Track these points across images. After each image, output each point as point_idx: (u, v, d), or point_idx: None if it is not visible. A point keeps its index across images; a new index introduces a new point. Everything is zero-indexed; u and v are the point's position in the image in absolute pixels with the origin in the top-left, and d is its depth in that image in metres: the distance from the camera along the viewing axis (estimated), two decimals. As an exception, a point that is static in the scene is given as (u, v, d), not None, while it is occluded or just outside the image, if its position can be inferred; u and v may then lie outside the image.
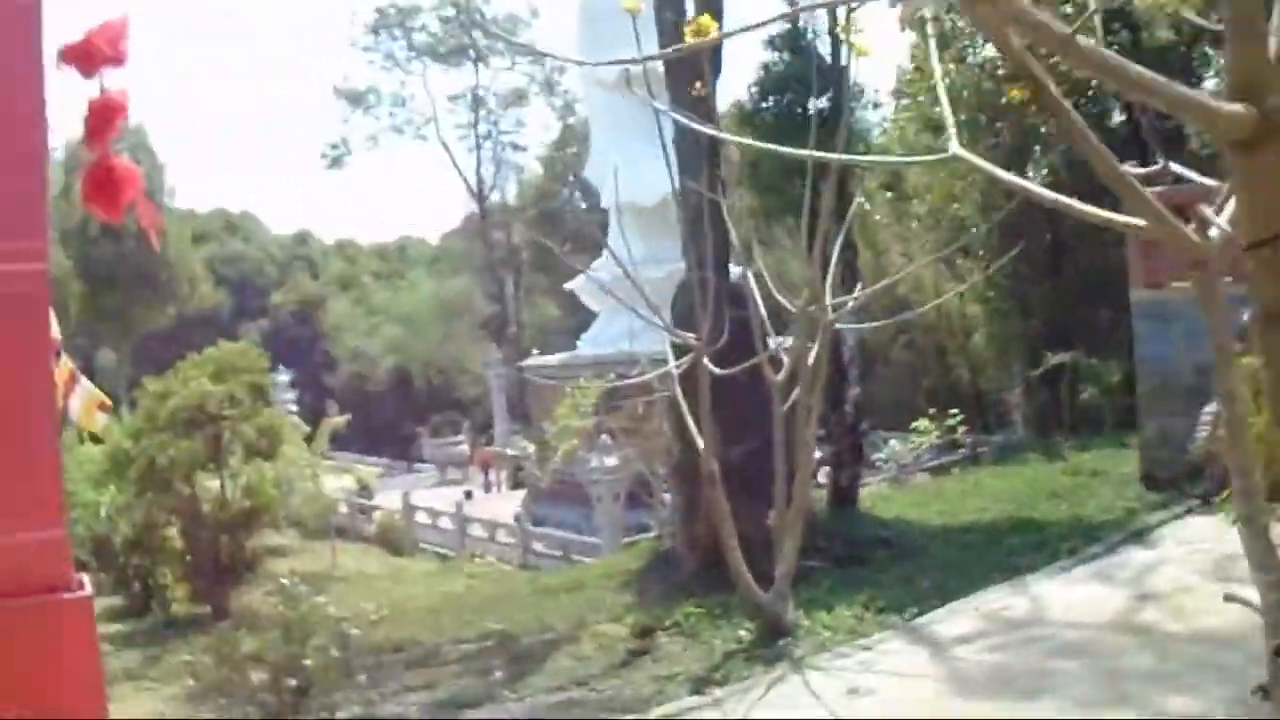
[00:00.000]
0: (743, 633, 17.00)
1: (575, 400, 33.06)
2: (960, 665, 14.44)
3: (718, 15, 22.23)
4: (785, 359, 16.97)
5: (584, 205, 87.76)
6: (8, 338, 10.86)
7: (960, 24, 41.18)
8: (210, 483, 34.09)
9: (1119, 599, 16.36)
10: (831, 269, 16.11)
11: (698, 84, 17.83)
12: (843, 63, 28.84)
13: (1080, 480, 27.30)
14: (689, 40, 7.56)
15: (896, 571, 20.30)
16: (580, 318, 64.48)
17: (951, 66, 40.41)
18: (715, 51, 23.06)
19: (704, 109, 21.92)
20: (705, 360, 16.83)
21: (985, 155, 36.63)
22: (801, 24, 35.68)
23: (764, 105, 36.83)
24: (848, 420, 26.59)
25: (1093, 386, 36.95)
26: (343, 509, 53.40)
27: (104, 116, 11.81)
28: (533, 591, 26.49)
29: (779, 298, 16.57)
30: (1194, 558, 17.79)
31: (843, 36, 22.21)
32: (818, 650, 15.79)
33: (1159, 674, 13.26)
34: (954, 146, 5.56)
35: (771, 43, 36.62)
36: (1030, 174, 36.90)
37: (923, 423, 35.34)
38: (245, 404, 33.80)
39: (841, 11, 25.91)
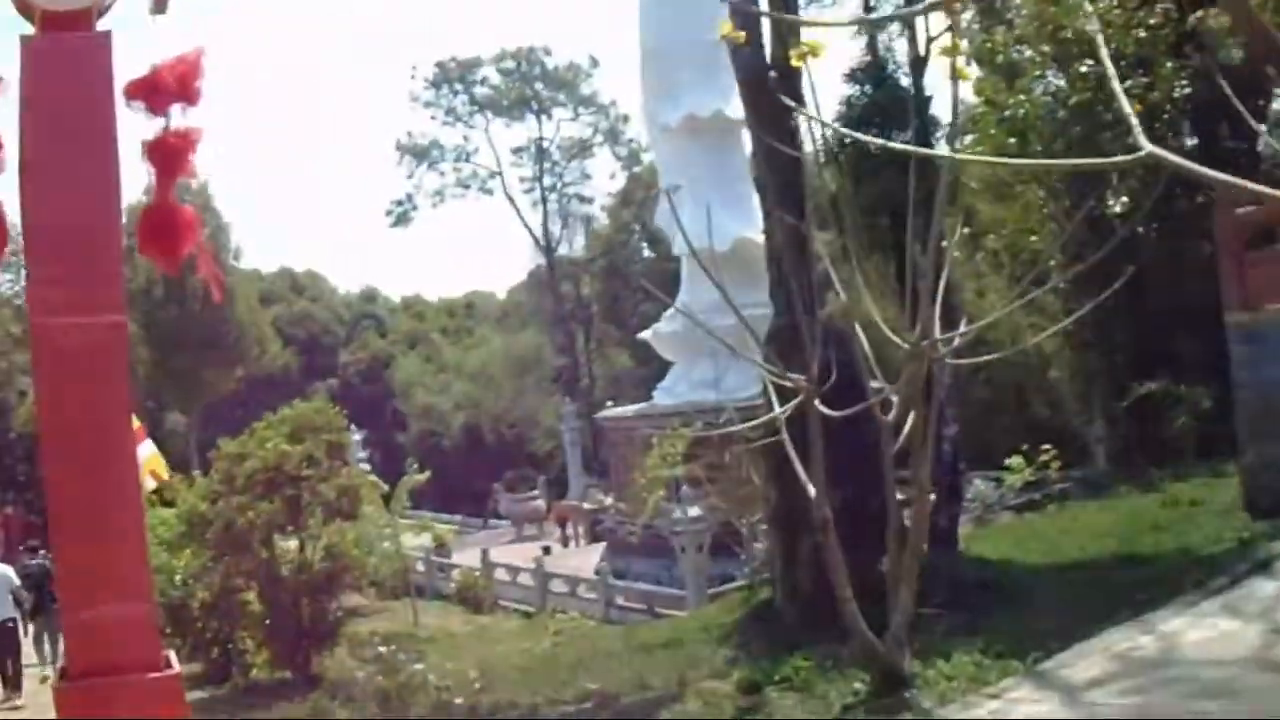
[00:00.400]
0: (858, 685, 16.18)
1: (664, 449, 32.42)
2: (1099, 711, 13.65)
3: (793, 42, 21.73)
4: (894, 399, 16.20)
5: (651, 255, 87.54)
6: (86, 392, 10.26)
7: (1029, 54, 40.81)
8: (288, 544, 33.59)
9: (1253, 634, 15.56)
10: (938, 304, 15.34)
11: (794, 116, 17.35)
12: (927, 93, 28.36)
13: (1180, 511, 26.45)
14: (794, 62, 6.92)
15: (1009, 614, 19.45)
16: (652, 368, 63.96)
17: (1022, 97, 39.94)
18: (792, 84, 22.47)
19: (787, 138, 21.47)
20: (816, 402, 16.04)
21: (1061, 183, 36.09)
22: (882, 54, 35.17)
23: (847, 141, 36.08)
24: (945, 459, 25.80)
25: (1184, 415, 36.01)
26: (419, 567, 52.93)
27: (172, 154, 11.26)
28: (626, 648, 25.67)
29: (889, 334, 15.79)
30: (1330, 583, 17.00)
31: (933, 54, 21.73)
32: (942, 701, 15.04)
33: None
34: (1146, 145, 4.96)
35: (852, 76, 36.04)
36: (1110, 200, 36.21)
37: (1016, 460, 34.39)
38: (324, 464, 33.26)
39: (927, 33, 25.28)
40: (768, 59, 22.69)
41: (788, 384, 16.84)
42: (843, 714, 15.41)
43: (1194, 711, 13.01)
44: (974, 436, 50.38)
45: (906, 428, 15.83)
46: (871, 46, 35.67)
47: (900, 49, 34.93)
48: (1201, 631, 15.96)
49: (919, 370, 15.34)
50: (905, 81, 33.65)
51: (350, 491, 33.86)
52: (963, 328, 16.90)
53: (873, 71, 35.95)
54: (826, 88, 47.33)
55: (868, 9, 35.87)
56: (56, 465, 10.29)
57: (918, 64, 29.23)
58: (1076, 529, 27.75)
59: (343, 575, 33.96)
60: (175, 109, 11.05)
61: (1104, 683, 14.55)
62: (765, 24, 23.36)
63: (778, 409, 17.12)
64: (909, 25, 30.18)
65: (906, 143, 29.81)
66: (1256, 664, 14.34)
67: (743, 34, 9.62)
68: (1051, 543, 26.44)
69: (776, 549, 23.21)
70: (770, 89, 20.97)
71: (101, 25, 10.62)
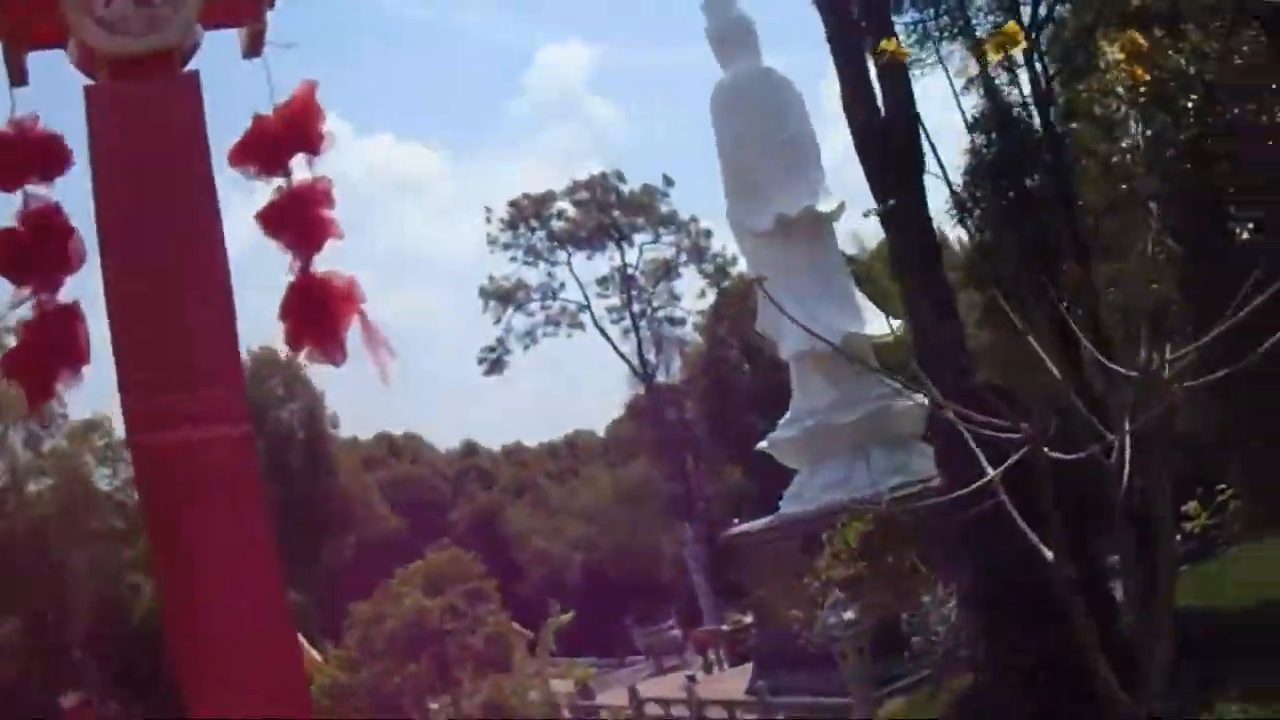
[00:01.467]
0: (1126, 758, 14.15)
1: (836, 546, 30.55)
2: None
3: (909, 106, 20.65)
4: (1114, 440, 14.29)
5: (749, 368, 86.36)
6: (211, 530, 8.18)
7: (1117, 106, 39.49)
8: (440, 704, 31.89)
9: None
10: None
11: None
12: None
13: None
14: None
15: (1238, 661, 17.43)
16: (768, 481, 62.49)
17: (1125, 144, 38.71)
18: (912, 148, 21.10)
19: (916, 212, 20.12)
20: (1045, 450, 13.98)
21: (1174, 219, 34.51)
22: (1003, 100, 33.72)
23: (978, 193, 34.40)
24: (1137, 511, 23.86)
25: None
26: (566, 714, 51.16)
27: (306, 215, 9.27)
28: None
29: (1107, 365, 13.92)
30: None
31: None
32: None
33: None
34: None
35: (975, 124, 34.33)
36: (1237, 230, 34.88)
37: (1193, 505, 32.22)
38: (468, 614, 31.62)
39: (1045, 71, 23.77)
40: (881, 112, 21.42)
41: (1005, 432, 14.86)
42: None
43: None
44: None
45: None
46: (989, 91, 34.09)
47: (1024, 84, 33.61)
48: None
49: (1154, 401, 13.40)
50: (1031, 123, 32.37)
51: (500, 640, 32.20)
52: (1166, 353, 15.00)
53: (995, 117, 34.29)
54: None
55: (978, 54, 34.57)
56: (181, 633, 8.25)
57: (1043, 102, 27.91)
58: (1268, 567, 25.70)
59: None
60: (296, 162, 9.03)
61: None
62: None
63: (990, 471, 15.02)
64: (1029, 65, 29.07)
65: (1041, 189, 28.56)
66: None
67: (906, 51, 7.99)
68: (1243, 585, 24.46)
69: (979, 631, 21.22)
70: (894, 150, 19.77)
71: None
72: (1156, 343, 13.60)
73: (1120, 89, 37.57)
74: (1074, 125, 38.52)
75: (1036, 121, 32.17)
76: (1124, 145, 38.67)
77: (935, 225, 23.90)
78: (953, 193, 25.30)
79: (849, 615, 36.84)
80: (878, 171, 21.32)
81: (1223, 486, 32.53)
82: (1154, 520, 14.16)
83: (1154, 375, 13.24)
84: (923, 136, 22.25)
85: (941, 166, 15.39)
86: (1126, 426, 14.35)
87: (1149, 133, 38.70)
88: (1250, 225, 35.16)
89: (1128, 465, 14.30)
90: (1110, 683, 13.95)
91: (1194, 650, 17.90)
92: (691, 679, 55.68)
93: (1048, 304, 16.26)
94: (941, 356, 19.38)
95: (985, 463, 15.02)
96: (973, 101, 33.36)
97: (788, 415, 51.66)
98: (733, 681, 53.13)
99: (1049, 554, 14.17)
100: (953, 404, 15.75)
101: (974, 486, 15.36)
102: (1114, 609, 19.68)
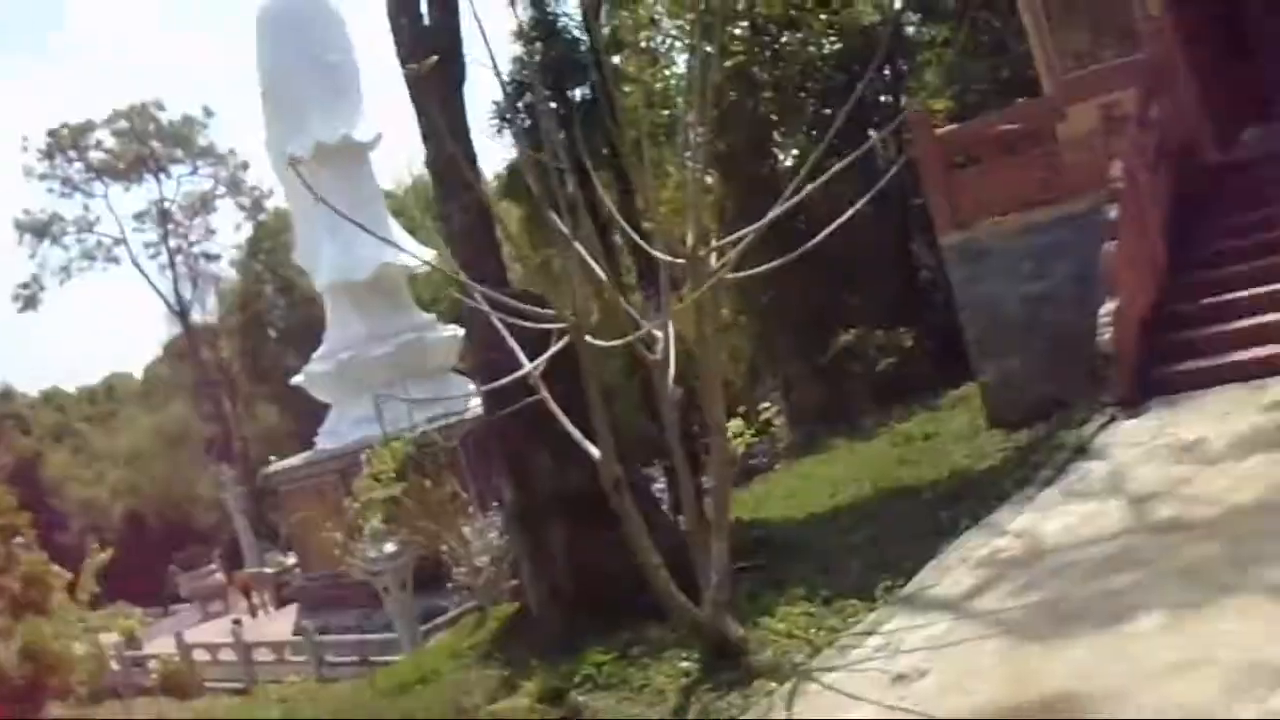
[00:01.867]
0: (684, 664, 13.94)
1: (376, 469, 30.04)
2: (1004, 616, 11.86)
3: (454, 14, 20.49)
4: (658, 334, 14.07)
5: (284, 302, 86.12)
6: None
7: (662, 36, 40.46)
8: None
9: (1117, 508, 13.98)
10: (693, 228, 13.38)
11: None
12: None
13: (918, 446, 25.03)
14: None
15: (801, 565, 17.43)
16: (305, 418, 62.53)
17: (667, 72, 39.76)
18: (455, 57, 20.86)
19: (456, 124, 19.93)
20: (587, 338, 13.53)
21: (728, 147, 35.25)
22: (550, 11, 33.88)
23: (519, 104, 34.25)
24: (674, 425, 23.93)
25: (887, 358, 34.91)
26: (113, 665, 49.89)
27: None
28: (376, 696, 22.95)
29: (657, 254, 13.75)
30: (1161, 452, 15.45)
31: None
32: (810, 653, 13.09)
33: (1241, 557, 11.16)
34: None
35: (520, 34, 34.17)
36: (780, 156, 36.06)
37: (735, 423, 32.60)
38: (1, 552, 30.19)
39: None
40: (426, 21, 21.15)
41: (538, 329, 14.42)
42: (686, 697, 13.21)
43: (1110, 588, 11.43)
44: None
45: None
46: (537, 2, 34.34)
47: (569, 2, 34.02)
48: (1058, 520, 14.34)
49: (703, 287, 13.16)
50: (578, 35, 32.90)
51: (37, 580, 30.88)
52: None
53: (540, 27, 34.39)
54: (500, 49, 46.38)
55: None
56: None
57: (592, 13, 28.17)
58: (811, 483, 26.08)
59: (49, 678, 30.79)
60: None
61: (986, 589, 12.85)
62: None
63: (528, 365, 14.41)
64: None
65: (584, 99, 28.85)
66: (1144, 531, 12.94)
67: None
68: (793, 498, 24.69)
69: (522, 550, 20.69)
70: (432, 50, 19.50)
71: None
72: (701, 241, 13.65)
73: (664, 18, 38.85)
74: (617, 58, 39.17)
75: (584, 37, 32.84)
76: (667, 74, 39.86)
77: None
78: (505, 95, 25.19)
79: (390, 548, 36.66)
80: (419, 83, 20.96)
81: (766, 405, 33.50)
82: (705, 420, 14.18)
83: (699, 261, 13.22)
84: (478, 48, 22.05)
85: (497, 72, 15.07)
86: (667, 310, 14.38)
87: (694, 63, 39.83)
88: (794, 153, 36.30)
89: (673, 357, 14.28)
90: (669, 588, 13.85)
91: (750, 558, 18.11)
92: (237, 623, 55.17)
93: (589, 216, 16.21)
94: (479, 266, 19.10)
95: (524, 359, 14.76)
96: (524, 12, 33.74)
97: (321, 349, 51.75)
98: (280, 624, 53.06)
99: (595, 451, 13.96)
100: (492, 291, 15.56)
101: (512, 376, 15.06)
102: (662, 516, 19.53)
